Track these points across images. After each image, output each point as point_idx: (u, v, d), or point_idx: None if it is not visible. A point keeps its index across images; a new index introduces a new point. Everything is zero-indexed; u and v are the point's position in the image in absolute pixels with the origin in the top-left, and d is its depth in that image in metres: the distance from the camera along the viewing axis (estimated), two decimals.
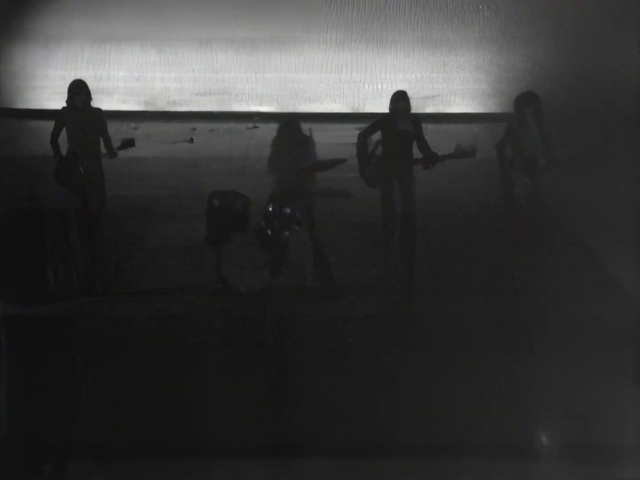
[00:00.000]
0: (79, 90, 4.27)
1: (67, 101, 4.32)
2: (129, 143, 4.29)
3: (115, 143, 4.32)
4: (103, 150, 4.37)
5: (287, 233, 4.25)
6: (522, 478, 3.46)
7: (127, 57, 7.22)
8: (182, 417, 3.42)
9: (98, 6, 6.83)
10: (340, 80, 6.63)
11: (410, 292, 4.07)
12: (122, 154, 5.75)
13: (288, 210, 4.22)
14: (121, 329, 3.98)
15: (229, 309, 3.99)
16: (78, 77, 4.33)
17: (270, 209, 4.22)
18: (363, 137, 4.34)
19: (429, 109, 6.11)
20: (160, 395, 3.49)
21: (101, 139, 4.33)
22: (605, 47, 5.99)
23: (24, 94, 6.44)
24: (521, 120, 4.27)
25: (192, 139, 5.83)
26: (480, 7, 5.42)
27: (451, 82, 6.83)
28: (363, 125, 6.92)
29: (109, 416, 3.35)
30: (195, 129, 5.97)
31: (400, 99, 4.19)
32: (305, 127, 4.29)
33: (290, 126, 4.26)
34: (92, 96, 4.34)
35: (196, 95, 7.19)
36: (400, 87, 4.46)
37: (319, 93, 5.94)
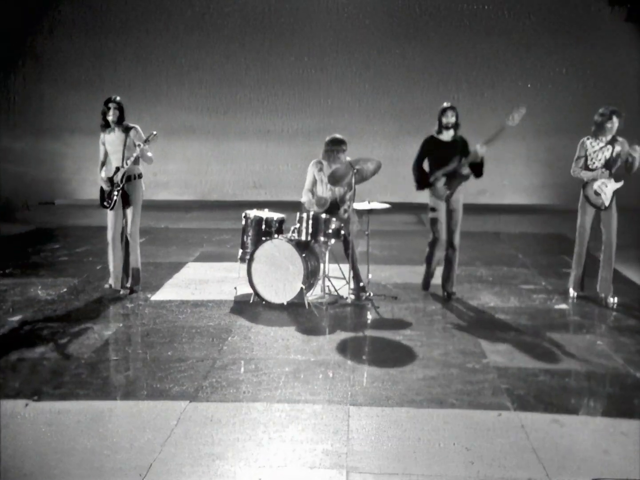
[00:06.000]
0: (110, 106, 4.18)
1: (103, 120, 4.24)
2: (152, 137, 4.21)
3: None
4: (138, 170, 4.28)
5: (321, 239, 4.18)
6: None
7: (183, 150, 7.47)
8: None
9: (152, 100, 7.31)
10: (394, 173, 6.59)
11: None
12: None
13: (323, 218, 4.19)
14: None
15: None
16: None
17: (304, 215, 4.21)
18: (417, 162, 4.45)
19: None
20: None
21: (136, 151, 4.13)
22: None
23: (90, 187, 6.58)
24: None
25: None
26: None
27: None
28: (412, 216, 6.82)
29: None
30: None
31: (448, 112, 4.31)
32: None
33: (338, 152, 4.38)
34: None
35: (248, 187, 7.29)
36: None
37: (370, 185, 5.84)
